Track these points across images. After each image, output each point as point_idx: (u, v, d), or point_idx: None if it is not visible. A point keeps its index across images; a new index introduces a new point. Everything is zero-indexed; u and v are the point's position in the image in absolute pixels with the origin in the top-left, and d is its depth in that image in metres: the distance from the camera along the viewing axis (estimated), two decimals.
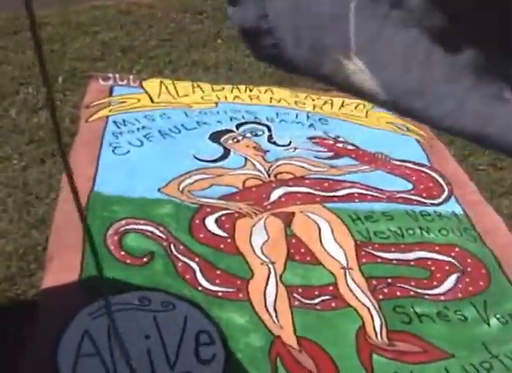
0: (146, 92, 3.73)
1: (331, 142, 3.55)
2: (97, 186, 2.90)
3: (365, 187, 3.21)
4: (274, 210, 2.94)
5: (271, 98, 3.89)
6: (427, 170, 3.45)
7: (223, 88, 3.91)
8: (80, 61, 4.03)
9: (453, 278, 2.73)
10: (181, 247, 2.63)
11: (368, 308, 2.51)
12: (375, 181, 3.27)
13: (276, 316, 2.40)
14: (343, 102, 3.97)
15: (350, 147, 3.53)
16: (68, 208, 2.74)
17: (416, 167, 3.45)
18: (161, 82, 3.84)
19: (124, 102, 3.60)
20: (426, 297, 2.62)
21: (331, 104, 3.95)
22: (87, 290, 2.37)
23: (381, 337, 2.39)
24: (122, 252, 2.56)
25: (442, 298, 2.63)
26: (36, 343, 2.13)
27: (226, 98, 3.82)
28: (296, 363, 2.23)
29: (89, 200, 2.80)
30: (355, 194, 3.15)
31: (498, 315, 2.58)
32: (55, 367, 2.07)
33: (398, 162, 3.46)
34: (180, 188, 2.97)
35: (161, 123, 3.46)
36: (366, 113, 3.91)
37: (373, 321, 2.46)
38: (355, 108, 3.94)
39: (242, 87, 3.95)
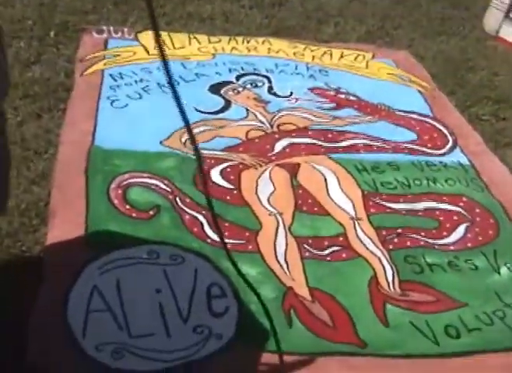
0: (142, 45, 3.63)
1: (332, 93, 3.50)
2: (97, 140, 2.83)
3: (369, 138, 3.16)
4: (278, 161, 2.89)
5: (269, 49, 3.82)
6: (431, 121, 3.41)
7: (220, 40, 3.82)
8: (71, 14, 3.91)
9: (462, 228, 2.70)
10: (187, 200, 2.57)
11: (379, 259, 2.47)
12: (379, 132, 3.22)
13: (288, 267, 2.36)
14: (342, 53, 3.92)
15: (352, 98, 3.48)
16: (68, 162, 2.69)
17: (420, 118, 3.41)
18: None
19: (119, 55, 3.51)
20: (436, 247, 2.58)
21: (331, 55, 3.89)
22: (94, 244, 2.31)
23: (394, 287, 2.36)
24: (127, 206, 2.50)
25: (452, 247, 2.59)
26: (44, 300, 2.07)
27: (223, 49, 3.73)
28: (310, 314, 2.19)
29: (89, 155, 2.73)
30: (360, 145, 3.10)
31: (508, 265, 2.55)
32: (66, 324, 2.02)
33: (401, 113, 3.42)
34: (183, 140, 2.90)
35: (158, 76, 3.37)
36: (367, 63, 3.86)
37: (384, 271, 2.42)
38: (355, 59, 3.89)
39: (239, 38, 3.87)
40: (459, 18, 4.74)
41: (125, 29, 3.75)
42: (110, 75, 3.31)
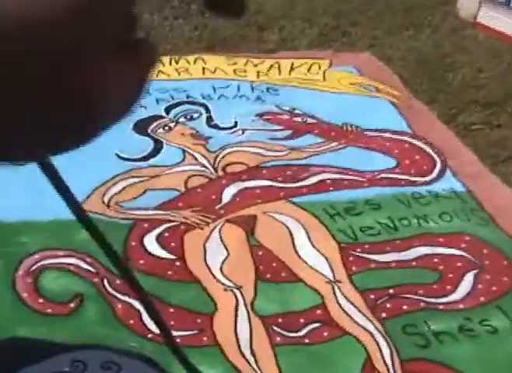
0: None
1: (286, 117, 3.35)
2: None
3: (338, 170, 3.00)
4: (229, 215, 2.69)
5: (203, 68, 3.69)
6: (410, 139, 3.25)
7: None
8: None
9: (469, 277, 2.50)
10: (118, 282, 2.32)
11: (371, 334, 2.24)
12: (349, 161, 3.06)
13: (256, 361, 2.13)
14: (292, 64, 3.83)
15: (311, 120, 3.33)
16: None
17: (396, 137, 3.26)
18: None
19: None
20: (441, 307, 2.37)
21: (279, 68, 3.77)
22: None
23: (394, 371, 2.13)
24: (40, 300, 2.25)
25: (461, 306, 2.39)
26: None
27: None
28: None
29: None
30: (328, 181, 2.93)
31: None
32: None
33: (373, 133, 3.27)
34: (105, 200, 2.70)
35: None
36: (324, 74, 3.76)
37: (380, 350, 2.19)
38: (309, 70, 3.79)
39: (165, 59, 3.70)
40: (426, 5, 4.67)
41: None
42: None
